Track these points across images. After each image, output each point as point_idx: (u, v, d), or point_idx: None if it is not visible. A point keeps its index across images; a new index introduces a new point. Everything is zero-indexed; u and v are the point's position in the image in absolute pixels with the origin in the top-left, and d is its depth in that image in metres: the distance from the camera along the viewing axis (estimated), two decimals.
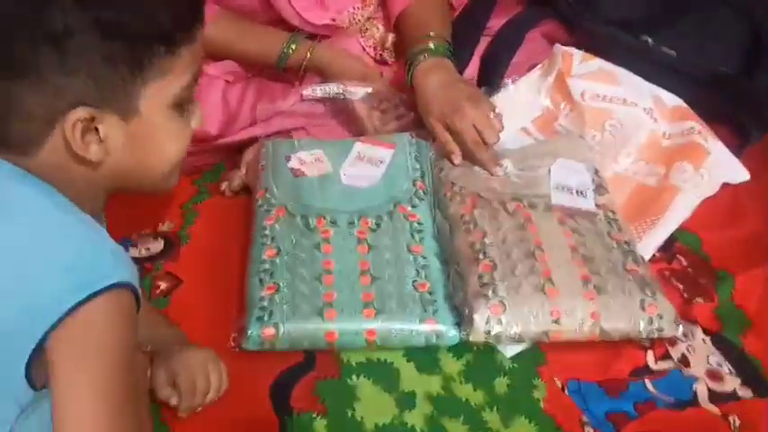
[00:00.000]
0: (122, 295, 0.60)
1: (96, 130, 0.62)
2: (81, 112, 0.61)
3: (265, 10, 1.15)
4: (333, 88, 1.12)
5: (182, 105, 0.67)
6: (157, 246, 1.01)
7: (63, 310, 0.57)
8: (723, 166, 1.06)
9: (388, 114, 1.12)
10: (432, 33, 1.11)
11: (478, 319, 0.84)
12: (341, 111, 1.13)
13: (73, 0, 0.58)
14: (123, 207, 1.05)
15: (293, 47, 1.12)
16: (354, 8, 1.18)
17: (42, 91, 0.60)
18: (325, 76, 1.14)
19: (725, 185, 1.06)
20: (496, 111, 1.01)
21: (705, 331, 0.89)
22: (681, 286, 0.95)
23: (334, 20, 1.16)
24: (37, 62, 0.59)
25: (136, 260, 0.96)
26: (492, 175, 1.00)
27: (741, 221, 1.03)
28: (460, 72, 1.16)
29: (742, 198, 1.07)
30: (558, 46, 1.11)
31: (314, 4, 1.14)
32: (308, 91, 1.13)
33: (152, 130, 0.65)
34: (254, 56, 1.15)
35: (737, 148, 1.11)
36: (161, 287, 0.94)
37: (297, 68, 1.14)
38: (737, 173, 1.07)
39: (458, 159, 1.02)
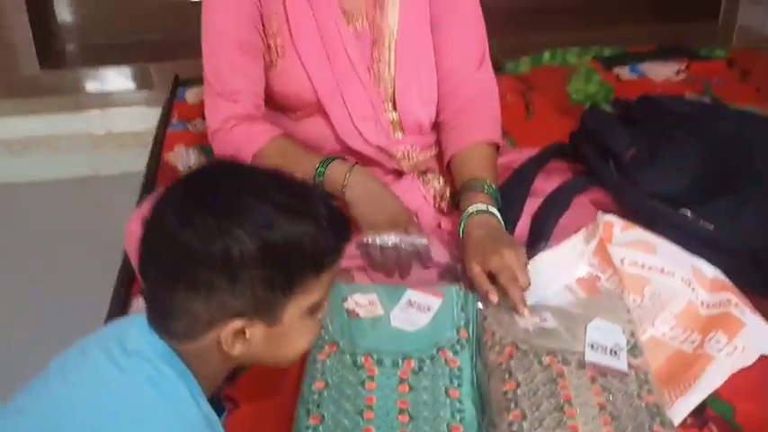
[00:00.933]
0: None
1: (244, 332, 0.78)
2: (238, 323, 0.77)
3: (329, 128, 1.34)
4: (391, 238, 1.23)
5: (315, 310, 0.83)
6: None
7: None
8: (759, 338, 1.10)
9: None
10: (485, 188, 1.24)
11: None
12: (396, 259, 1.23)
13: (247, 233, 0.74)
14: None
15: (322, 168, 1.26)
16: (412, 146, 1.36)
17: (210, 304, 0.76)
18: (357, 202, 1.26)
19: (763, 357, 1.10)
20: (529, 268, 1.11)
21: None
22: None
23: (384, 147, 1.34)
24: (211, 282, 0.75)
25: None
26: (520, 315, 1.07)
27: None
28: (513, 226, 1.27)
29: None
30: (600, 214, 1.20)
31: (373, 126, 1.32)
32: (366, 238, 1.24)
33: (288, 332, 0.82)
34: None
35: None
36: None
37: (337, 188, 1.26)
38: None
39: (495, 298, 1.09)
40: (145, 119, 2.68)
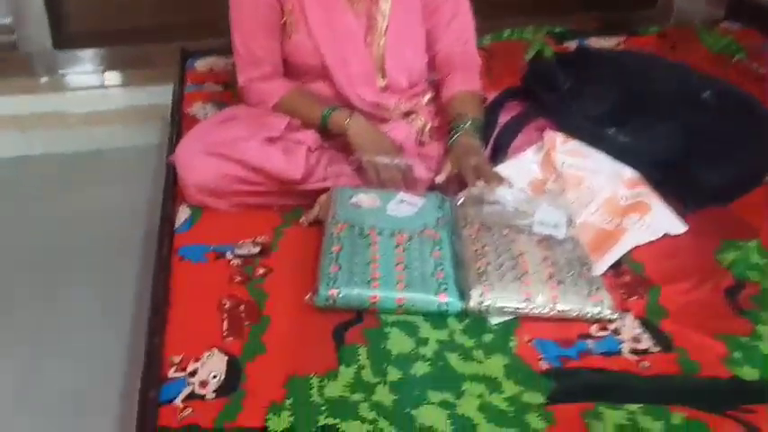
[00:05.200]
0: None
1: None
2: None
3: (331, 90, 1.67)
4: (383, 159, 1.58)
5: None
6: (255, 249, 1.44)
7: None
8: (663, 219, 1.46)
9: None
10: (470, 116, 1.59)
11: (475, 294, 1.24)
12: (388, 178, 1.58)
13: None
14: (231, 226, 1.51)
15: (329, 111, 1.62)
16: (400, 99, 1.68)
17: None
18: (357, 138, 1.60)
19: (666, 235, 1.46)
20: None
21: (635, 317, 1.26)
22: (622, 291, 1.33)
23: (378, 102, 1.67)
24: None
25: (241, 256, 1.41)
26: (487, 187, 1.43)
27: (675, 257, 1.41)
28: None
29: (679, 243, 1.45)
30: (547, 131, 1.56)
31: (368, 89, 1.66)
32: (365, 158, 1.58)
33: None
34: (309, 120, 1.64)
35: (682, 211, 1.51)
36: (260, 271, 1.36)
37: (341, 128, 1.61)
38: (676, 226, 1.47)
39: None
40: (150, 96, 2.98)
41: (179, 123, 1.99)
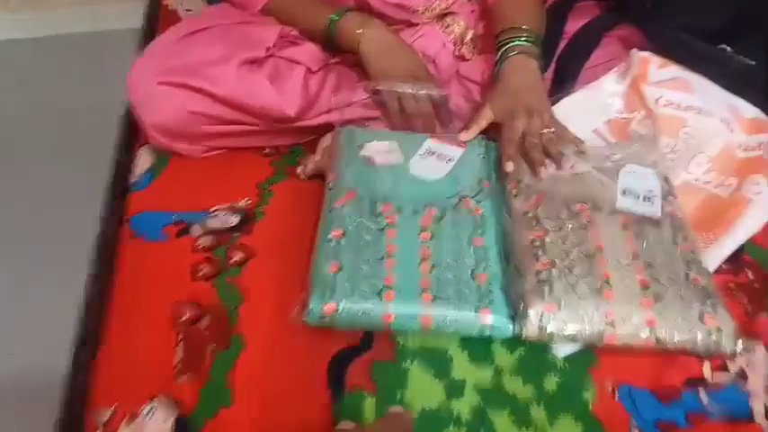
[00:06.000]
0: None
1: None
2: None
3: None
4: (406, 86, 1.15)
5: None
6: (234, 220, 1.06)
7: None
8: None
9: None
10: (524, 27, 1.14)
11: (533, 314, 0.85)
12: (415, 110, 1.16)
13: None
14: (204, 182, 1.13)
15: (336, 18, 1.18)
16: None
17: None
18: (372, 57, 1.17)
19: None
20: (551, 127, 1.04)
21: None
22: (745, 300, 0.93)
23: (403, 3, 1.23)
24: None
25: (213, 231, 1.04)
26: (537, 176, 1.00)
27: None
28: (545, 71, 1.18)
29: None
30: (635, 51, 1.10)
31: None
32: (382, 86, 1.16)
33: None
34: (310, 28, 1.20)
35: None
36: (235, 258, 0.99)
37: (352, 41, 1.17)
38: None
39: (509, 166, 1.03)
40: None
41: (152, 22, 1.56)
